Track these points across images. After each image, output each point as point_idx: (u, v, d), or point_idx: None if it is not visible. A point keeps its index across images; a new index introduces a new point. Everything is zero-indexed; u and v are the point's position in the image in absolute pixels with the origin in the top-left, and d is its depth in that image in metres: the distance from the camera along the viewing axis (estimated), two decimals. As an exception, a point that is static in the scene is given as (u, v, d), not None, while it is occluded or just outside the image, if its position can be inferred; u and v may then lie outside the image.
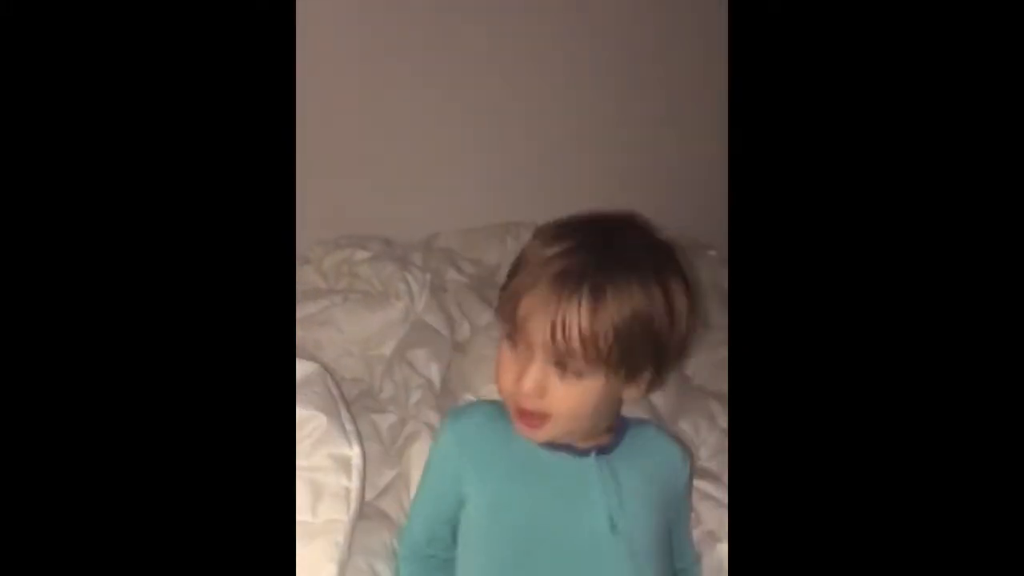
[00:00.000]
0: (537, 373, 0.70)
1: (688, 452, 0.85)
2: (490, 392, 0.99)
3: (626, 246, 0.72)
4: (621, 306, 0.68)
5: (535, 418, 0.72)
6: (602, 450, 0.76)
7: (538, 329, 0.69)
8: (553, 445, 0.75)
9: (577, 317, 0.67)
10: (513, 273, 0.74)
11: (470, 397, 1.02)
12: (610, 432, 0.78)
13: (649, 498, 0.75)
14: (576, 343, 0.67)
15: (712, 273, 1.41)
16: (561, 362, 0.69)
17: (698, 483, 0.91)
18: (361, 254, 1.24)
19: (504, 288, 0.75)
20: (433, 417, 0.96)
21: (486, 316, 1.15)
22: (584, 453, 0.75)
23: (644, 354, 0.71)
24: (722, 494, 0.89)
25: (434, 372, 1.06)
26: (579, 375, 0.69)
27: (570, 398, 0.70)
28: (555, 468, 0.74)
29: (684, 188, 1.60)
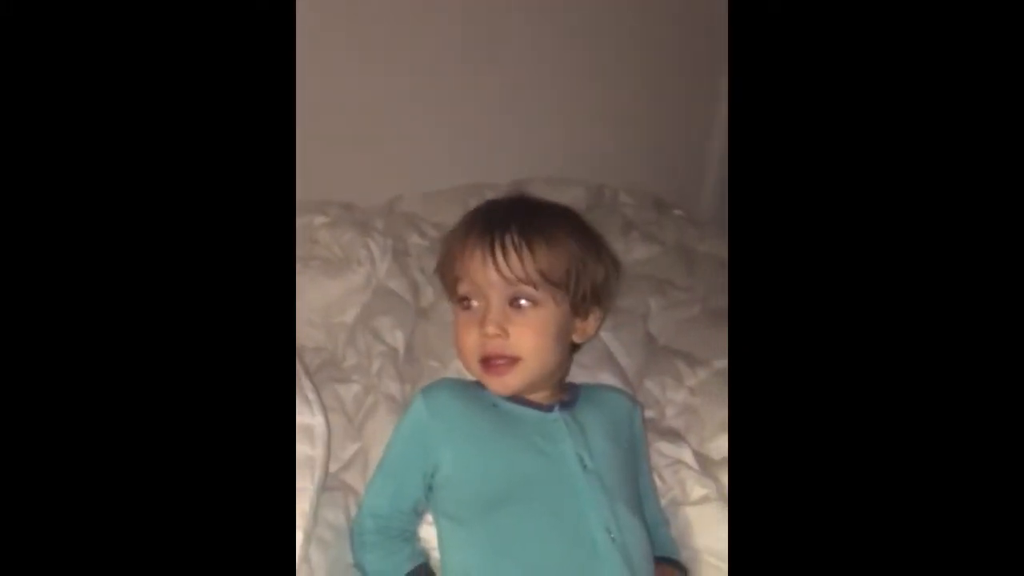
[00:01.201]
0: (496, 315, 0.77)
1: (636, 399, 0.92)
2: (454, 358, 0.97)
3: (534, 206, 0.86)
4: (549, 237, 0.78)
5: (504, 365, 0.77)
6: (564, 405, 0.81)
7: (481, 269, 0.77)
8: (520, 400, 0.80)
9: (513, 245, 0.77)
10: (440, 260, 0.84)
11: (435, 364, 1.01)
12: (566, 392, 0.85)
13: (611, 439, 0.80)
14: (518, 268, 0.76)
15: (678, 233, 1.41)
16: (514, 298, 0.78)
17: (662, 445, 0.91)
18: (320, 219, 1.20)
19: (439, 266, 0.85)
20: (395, 387, 0.95)
21: (450, 281, 1.14)
22: (548, 409, 0.80)
23: (579, 281, 0.80)
24: (686, 455, 0.90)
25: (399, 339, 1.05)
26: (533, 303, 0.78)
27: (531, 330, 0.77)
28: (524, 423, 0.78)
29: (648, 148, 1.58)
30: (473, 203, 1.35)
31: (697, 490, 0.86)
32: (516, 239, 0.77)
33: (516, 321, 0.77)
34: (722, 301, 1.24)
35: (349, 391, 0.96)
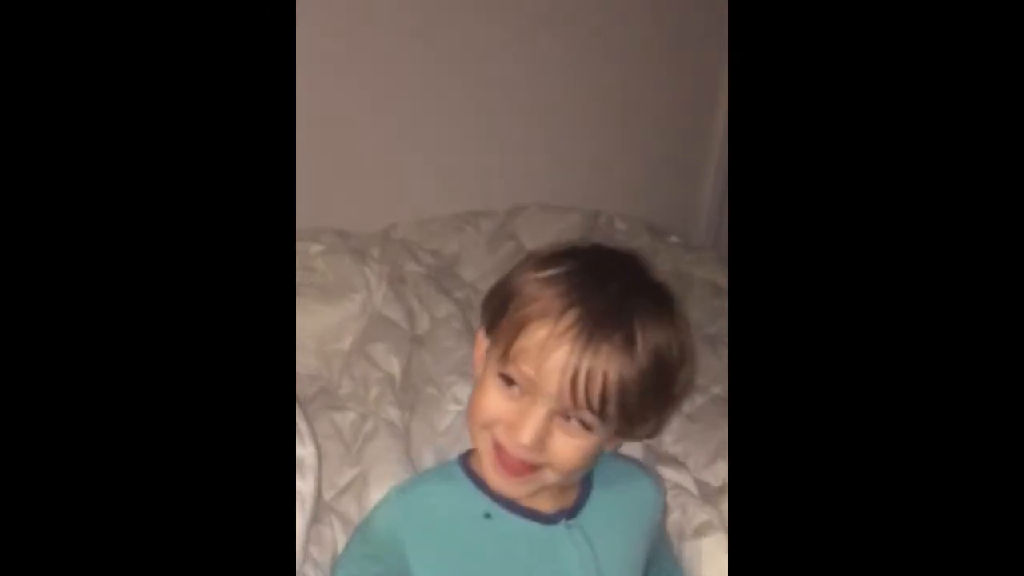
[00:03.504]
0: (539, 424, 0.61)
1: (661, 483, 0.80)
2: (451, 384, 0.97)
3: (644, 283, 0.65)
4: (647, 350, 0.61)
5: (525, 469, 0.63)
6: (571, 513, 0.68)
7: (556, 375, 0.59)
8: (518, 509, 0.67)
9: (608, 366, 0.59)
10: (506, 299, 0.65)
11: (432, 391, 1.00)
12: (576, 490, 0.70)
13: (628, 555, 0.69)
14: (597, 396, 0.59)
15: (673, 259, 1.41)
16: (569, 413, 0.61)
17: (662, 470, 0.90)
18: (315, 247, 1.20)
19: (495, 316, 0.65)
20: (393, 413, 0.94)
21: (446, 307, 1.13)
22: (552, 520, 0.67)
23: (654, 403, 0.64)
24: (687, 481, 0.89)
25: (395, 366, 1.04)
26: (588, 428, 0.62)
27: (571, 450, 0.62)
28: (521, 541, 0.66)
29: (643, 174, 1.60)
30: (468, 230, 1.37)
31: (699, 515, 0.85)
32: (617, 353, 0.60)
33: (557, 434, 0.62)
34: (718, 327, 1.24)
35: (345, 418, 0.95)
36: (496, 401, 0.63)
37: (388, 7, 1.28)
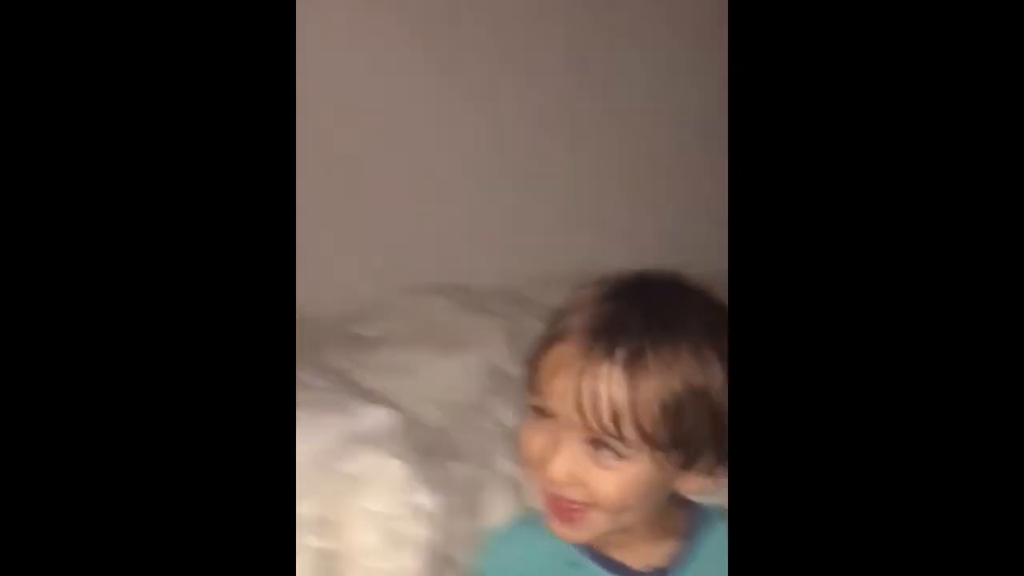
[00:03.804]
0: (567, 457, 0.58)
1: None
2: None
3: (671, 304, 0.62)
4: (668, 373, 0.57)
5: (574, 509, 0.59)
6: (662, 572, 0.63)
7: (564, 397, 0.57)
8: (604, 560, 0.63)
9: (609, 384, 0.56)
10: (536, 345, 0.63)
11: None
12: (675, 538, 0.64)
13: None
14: (608, 417, 0.56)
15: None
16: (595, 440, 0.58)
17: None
18: (440, 301, 1.26)
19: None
20: (509, 467, 0.95)
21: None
22: None
23: (700, 433, 0.58)
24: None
25: (511, 420, 1.06)
26: (619, 457, 0.58)
27: (611, 485, 0.58)
28: None
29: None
30: (588, 288, 1.37)
31: None
32: (621, 369, 0.57)
33: (592, 468, 0.58)
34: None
35: (462, 470, 0.97)
36: (531, 436, 0.61)
37: (502, 69, 1.34)
